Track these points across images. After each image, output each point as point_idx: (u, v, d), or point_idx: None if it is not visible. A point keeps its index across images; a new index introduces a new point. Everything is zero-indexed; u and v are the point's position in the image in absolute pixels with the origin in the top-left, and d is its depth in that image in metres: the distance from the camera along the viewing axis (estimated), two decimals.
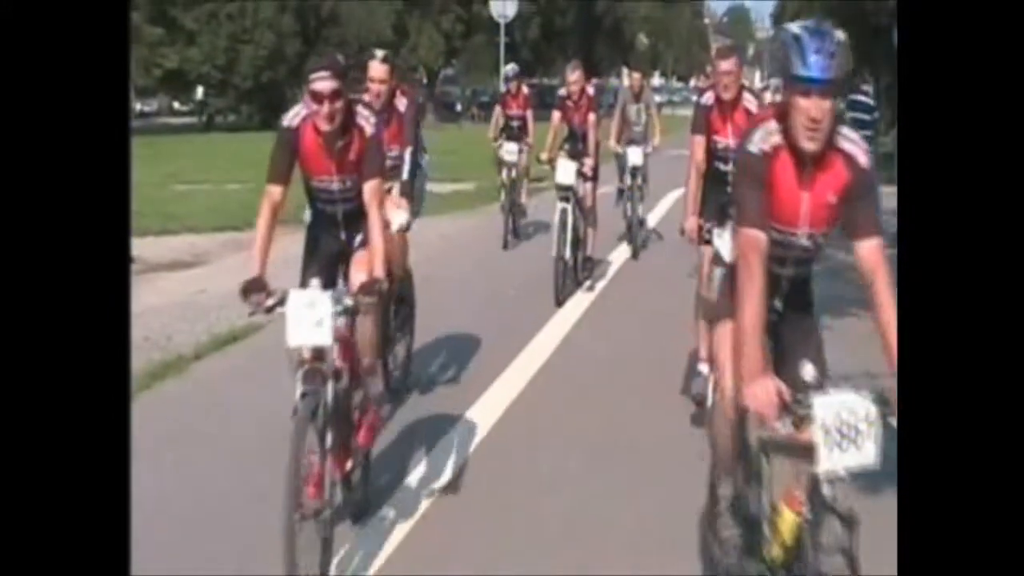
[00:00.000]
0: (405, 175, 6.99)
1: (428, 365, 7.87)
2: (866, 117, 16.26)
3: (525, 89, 14.80)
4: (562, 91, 11.57)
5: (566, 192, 10.36)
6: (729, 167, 6.22)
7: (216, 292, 10.20)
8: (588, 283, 10.90)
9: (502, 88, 15.10)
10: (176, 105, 58.40)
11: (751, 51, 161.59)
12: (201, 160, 26.07)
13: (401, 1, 54.15)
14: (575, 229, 10.36)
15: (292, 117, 5.08)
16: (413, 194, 7.08)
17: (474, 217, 16.87)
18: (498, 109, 15.13)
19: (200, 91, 50.44)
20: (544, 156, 11.34)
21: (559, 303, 9.98)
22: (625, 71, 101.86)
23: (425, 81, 60.61)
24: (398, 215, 6.59)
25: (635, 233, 13.41)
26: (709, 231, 6.16)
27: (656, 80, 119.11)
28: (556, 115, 11.39)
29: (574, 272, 10.63)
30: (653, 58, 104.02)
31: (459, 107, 58.74)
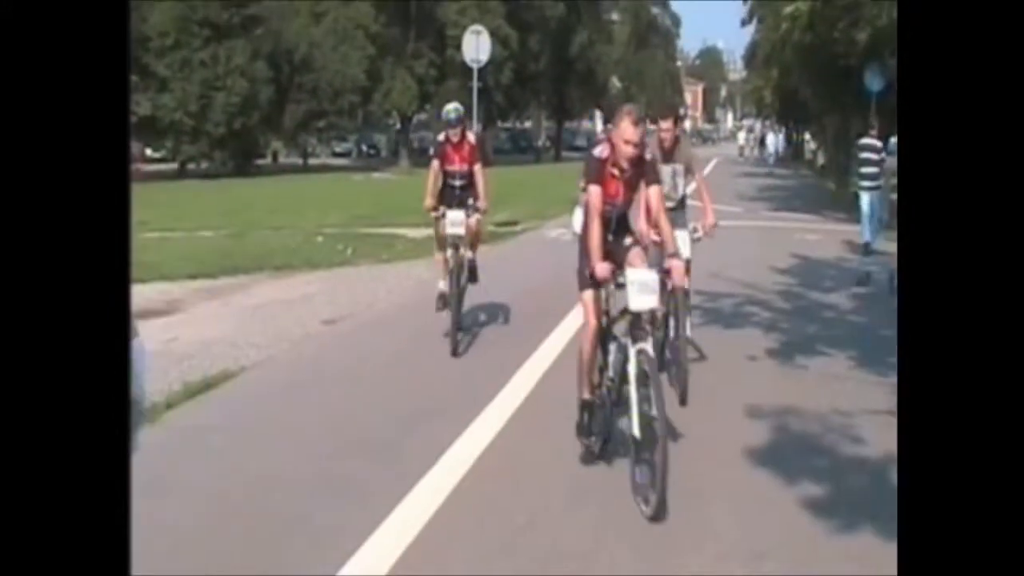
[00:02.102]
0: None
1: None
2: (874, 156, 17.97)
3: (471, 136, 10.73)
4: (601, 151, 6.40)
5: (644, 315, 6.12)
6: None
7: (189, 340, 10.17)
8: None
9: (439, 137, 10.78)
10: (148, 152, 58.43)
11: (723, 92, 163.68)
12: (174, 207, 26.04)
13: (374, 47, 54.43)
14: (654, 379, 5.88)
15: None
16: None
17: None
18: (434, 165, 10.57)
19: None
20: (602, 268, 6.14)
21: None
22: (607, 113, 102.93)
23: (399, 126, 60.90)
24: None
25: (679, 361, 8.26)
26: None
27: None
28: (595, 193, 6.36)
29: None
30: (626, 101, 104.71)
31: (432, 151, 58.90)
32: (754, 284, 13.60)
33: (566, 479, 6.28)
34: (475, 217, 10.34)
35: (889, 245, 16.73)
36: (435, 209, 10.29)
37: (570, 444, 6.61)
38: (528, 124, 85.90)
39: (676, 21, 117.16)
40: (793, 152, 69.33)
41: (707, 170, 52.10)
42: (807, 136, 66.00)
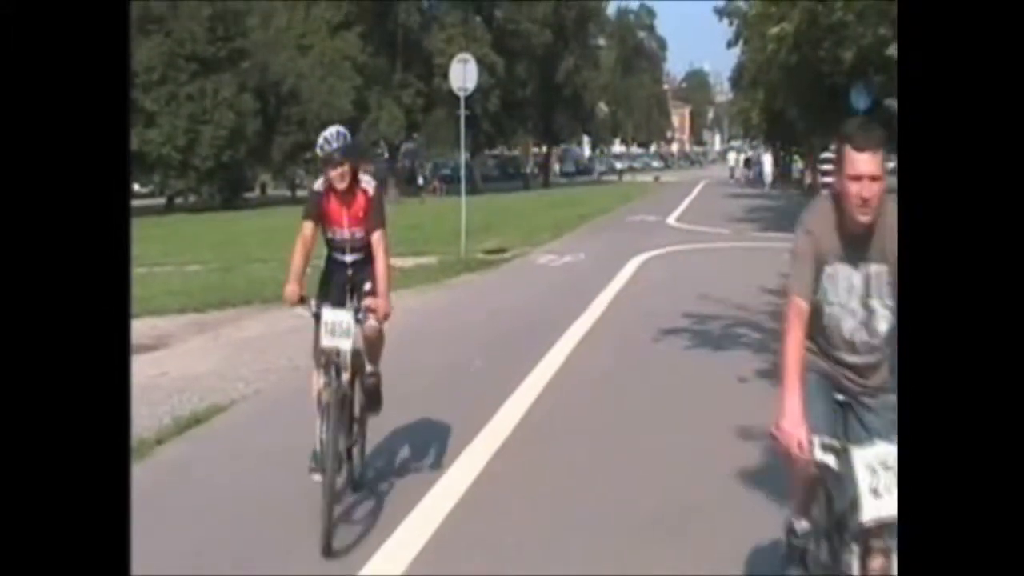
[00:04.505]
0: None
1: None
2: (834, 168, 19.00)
3: (369, 184, 6.37)
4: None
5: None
6: None
7: (178, 374, 10.14)
8: None
9: (316, 185, 6.46)
10: (136, 187, 58.38)
11: (711, 114, 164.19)
12: (162, 242, 26.02)
13: (361, 77, 54.57)
14: None
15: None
16: None
17: (438, 290, 16.87)
18: (305, 230, 6.39)
19: None
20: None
21: None
22: (594, 139, 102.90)
23: (387, 155, 60.98)
24: None
25: None
26: None
27: (617, 147, 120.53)
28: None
29: None
30: (613, 126, 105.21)
31: (421, 180, 59.19)
32: (743, 305, 13.56)
33: None
34: (371, 323, 6.27)
35: None
36: (302, 301, 6.24)
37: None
38: (516, 151, 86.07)
39: (662, 45, 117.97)
40: (780, 172, 69.54)
41: (694, 192, 52.09)
42: (795, 156, 66.23)
